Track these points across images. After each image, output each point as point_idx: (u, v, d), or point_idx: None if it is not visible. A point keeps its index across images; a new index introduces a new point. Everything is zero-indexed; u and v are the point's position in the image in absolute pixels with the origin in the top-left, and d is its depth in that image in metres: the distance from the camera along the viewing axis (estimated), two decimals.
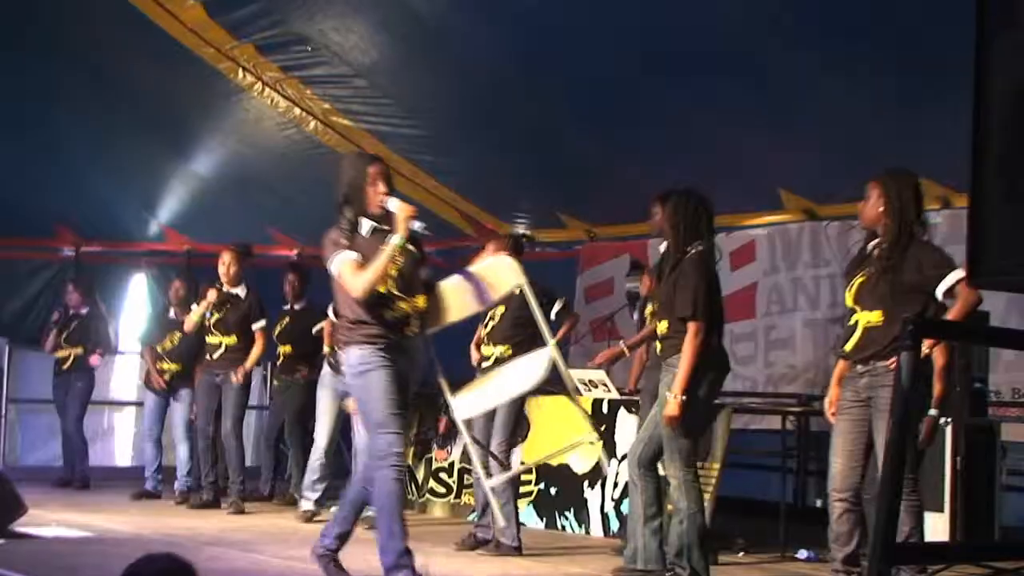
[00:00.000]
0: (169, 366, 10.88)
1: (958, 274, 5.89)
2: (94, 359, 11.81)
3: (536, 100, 10.18)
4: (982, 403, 8.32)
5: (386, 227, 6.39)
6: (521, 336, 8.37)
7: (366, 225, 6.43)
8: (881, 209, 6.19)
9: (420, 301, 6.48)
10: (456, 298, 6.71)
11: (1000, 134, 3.77)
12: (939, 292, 6.00)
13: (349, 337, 6.37)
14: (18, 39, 10.52)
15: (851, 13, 7.88)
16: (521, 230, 12.74)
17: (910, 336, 3.88)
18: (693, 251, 7.00)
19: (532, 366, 6.74)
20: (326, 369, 9.90)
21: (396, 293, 6.37)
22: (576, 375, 9.55)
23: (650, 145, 10.17)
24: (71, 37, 10.61)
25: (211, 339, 10.36)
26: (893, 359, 5.93)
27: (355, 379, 6.38)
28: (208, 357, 10.43)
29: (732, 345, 10.32)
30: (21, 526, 8.08)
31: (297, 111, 11.30)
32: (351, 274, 6.27)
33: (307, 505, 9.76)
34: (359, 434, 9.63)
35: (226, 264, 10.34)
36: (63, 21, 10.37)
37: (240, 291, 10.38)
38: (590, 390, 9.44)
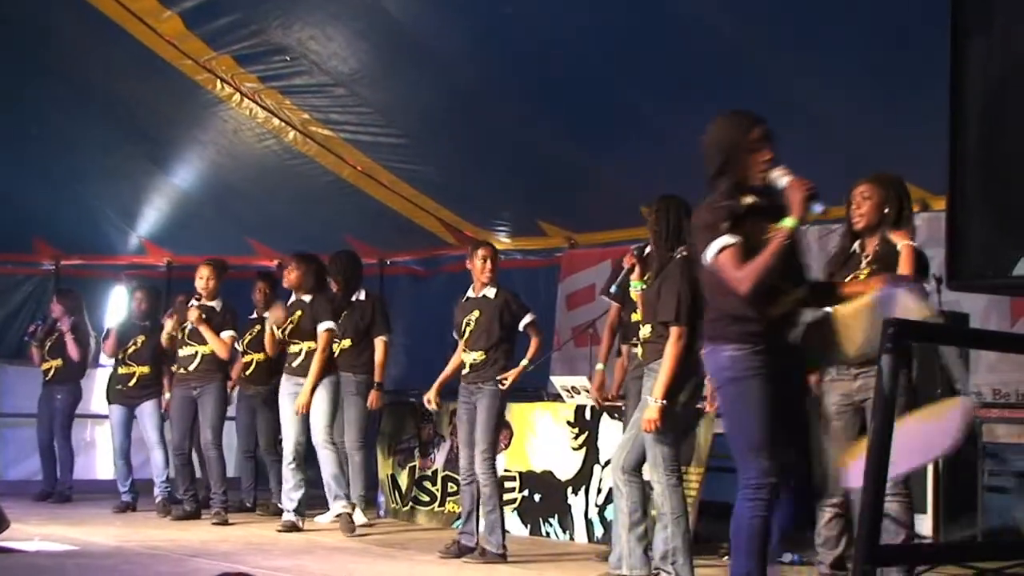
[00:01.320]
0: (138, 369, 10.84)
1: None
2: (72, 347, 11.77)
3: (516, 108, 10.19)
4: None
5: (766, 202, 5.36)
6: (494, 342, 8.43)
7: (745, 200, 5.33)
8: (886, 212, 6.28)
9: (801, 293, 5.27)
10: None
11: (976, 138, 3.80)
12: None
13: (721, 333, 5.24)
14: None
15: (835, 22, 7.92)
16: (502, 238, 12.77)
17: (891, 339, 3.90)
18: (677, 256, 7.02)
19: (947, 418, 5.25)
20: (284, 376, 9.87)
21: (781, 284, 5.17)
22: (558, 381, 9.60)
23: (631, 152, 10.18)
24: (46, 51, 10.59)
25: (185, 350, 10.38)
26: None
27: (724, 386, 5.30)
28: (183, 370, 10.43)
29: None
30: (4, 541, 8.05)
31: (276, 122, 11.29)
32: (733, 264, 5.13)
33: (288, 517, 9.75)
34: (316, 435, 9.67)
35: (204, 278, 10.37)
36: (38, 35, 10.35)
37: (216, 304, 10.41)
38: (572, 396, 9.45)
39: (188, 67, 10.55)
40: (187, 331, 10.34)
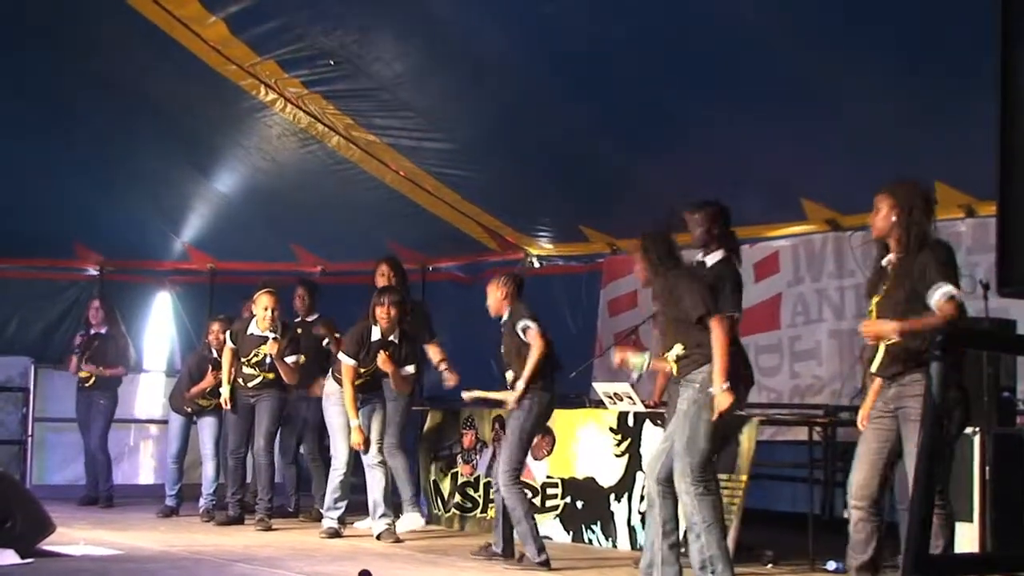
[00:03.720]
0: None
1: (946, 289, 5.91)
2: (110, 371, 11.86)
3: (559, 113, 10.17)
4: (1011, 412, 8.27)
5: None
6: (516, 361, 8.50)
7: None
8: (894, 220, 6.21)
9: None
10: None
11: None
12: (931, 302, 5.97)
13: None
14: (40, 61, 10.55)
15: (876, 21, 7.86)
16: (544, 243, 12.80)
17: (939, 346, 3.86)
18: (674, 269, 7.13)
19: None
20: (333, 386, 9.85)
21: None
22: (600, 388, 9.56)
23: (673, 156, 10.15)
24: (92, 58, 10.64)
25: (249, 371, 10.45)
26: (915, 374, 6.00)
27: None
28: (241, 382, 10.49)
29: (756, 356, 10.29)
30: (49, 545, 8.10)
31: (319, 127, 11.31)
32: None
33: (330, 523, 9.76)
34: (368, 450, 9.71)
35: (269, 309, 10.32)
36: (84, 41, 10.40)
37: (276, 332, 10.42)
38: (615, 403, 9.42)
39: (232, 72, 10.58)
40: (254, 359, 10.38)
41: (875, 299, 6.26)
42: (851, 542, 6.26)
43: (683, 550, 7.22)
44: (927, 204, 6.23)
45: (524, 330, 8.45)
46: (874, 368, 6.26)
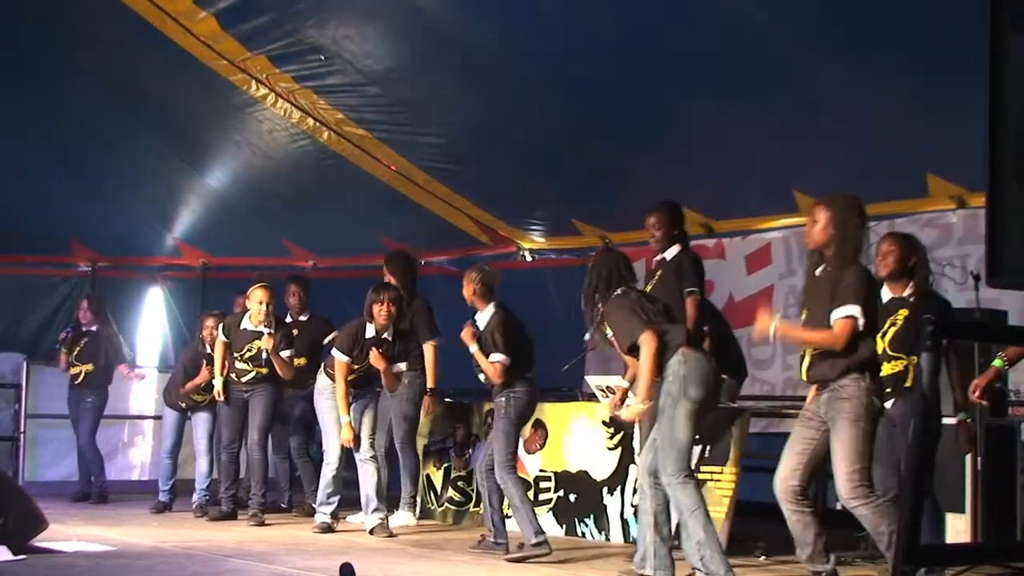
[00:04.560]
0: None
1: (845, 311, 6.13)
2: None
3: (551, 107, 10.18)
4: (1002, 403, 8.29)
5: None
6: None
7: None
8: (832, 232, 6.29)
9: None
10: None
11: (1016, 134, 3.76)
12: (832, 319, 6.20)
13: None
14: (31, 58, 10.54)
15: (869, 15, 7.87)
16: (536, 237, 12.80)
17: (930, 336, 3.87)
18: (609, 297, 7.30)
19: None
20: (325, 381, 9.83)
21: None
22: (593, 381, 9.57)
23: (665, 150, 10.15)
24: (84, 53, 10.63)
25: (242, 366, 10.40)
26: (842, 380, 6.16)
27: None
28: (235, 377, 10.45)
29: (749, 349, 10.30)
30: (42, 541, 8.08)
31: (311, 121, 11.30)
32: None
33: (323, 518, 9.75)
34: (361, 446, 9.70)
35: (264, 303, 10.22)
36: (76, 38, 10.39)
37: (270, 327, 10.36)
38: (607, 396, 9.42)
39: (223, 68, 10.58)
40: (247, 354, 10.34)
41: (804, 312, 6.39)
42: (794, 538, 6.36)
43: (676, 543, 7.25)
44: (862, 219, 6.37)
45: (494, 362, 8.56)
46: (803, 374, 6.38)
